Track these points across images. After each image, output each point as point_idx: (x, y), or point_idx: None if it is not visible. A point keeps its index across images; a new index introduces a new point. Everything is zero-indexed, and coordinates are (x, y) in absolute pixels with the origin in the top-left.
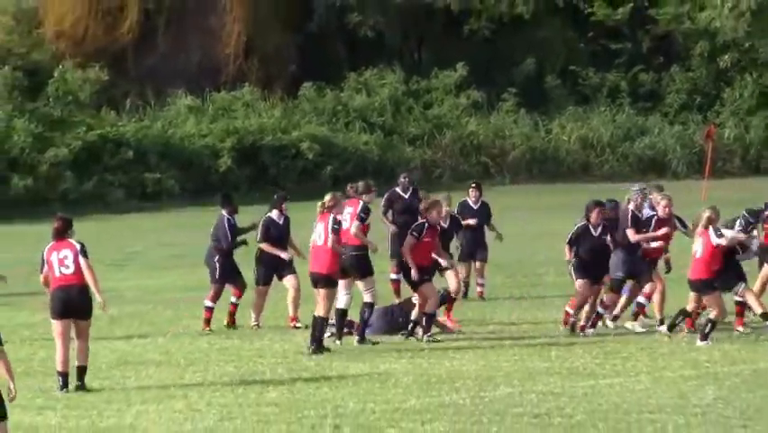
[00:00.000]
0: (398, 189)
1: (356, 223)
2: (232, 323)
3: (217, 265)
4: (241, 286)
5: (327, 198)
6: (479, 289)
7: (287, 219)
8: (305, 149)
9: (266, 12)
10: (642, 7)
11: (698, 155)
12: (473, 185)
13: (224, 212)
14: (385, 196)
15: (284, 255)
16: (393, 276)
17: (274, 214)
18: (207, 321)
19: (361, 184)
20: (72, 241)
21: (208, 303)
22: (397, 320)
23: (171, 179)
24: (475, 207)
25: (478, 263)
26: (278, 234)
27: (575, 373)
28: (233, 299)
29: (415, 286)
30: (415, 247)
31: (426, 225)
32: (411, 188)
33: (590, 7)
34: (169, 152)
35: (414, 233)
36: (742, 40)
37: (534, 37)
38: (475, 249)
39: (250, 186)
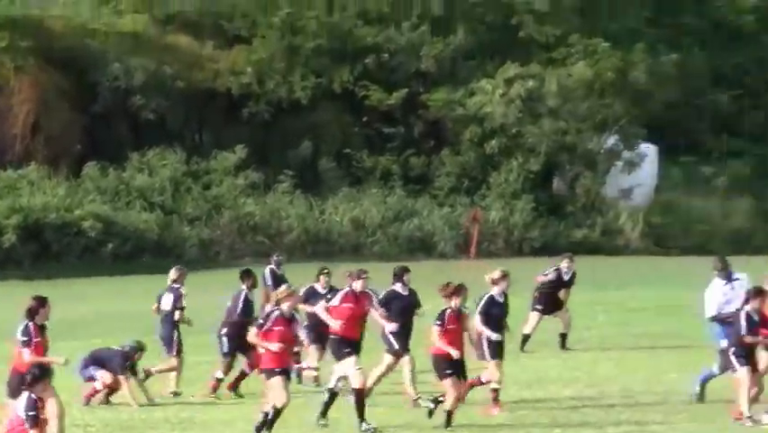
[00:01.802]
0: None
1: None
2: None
3: (225, 339)
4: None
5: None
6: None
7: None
8: (87, 227)
9: (53, 93)
10: (415, 93)
11: (464, 236)
12: (325, 270)
13: (243, 286)
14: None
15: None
16: None
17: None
18: (214, 389)
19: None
20: None
21: (219, 375)
22: None
23: None
24: (323, 292)
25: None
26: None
27: None
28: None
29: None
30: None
31: (278, 313)
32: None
33: (366, 92)
34: None
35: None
36: (509, 126)
37: (310, 121)
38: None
39: (33, 262)
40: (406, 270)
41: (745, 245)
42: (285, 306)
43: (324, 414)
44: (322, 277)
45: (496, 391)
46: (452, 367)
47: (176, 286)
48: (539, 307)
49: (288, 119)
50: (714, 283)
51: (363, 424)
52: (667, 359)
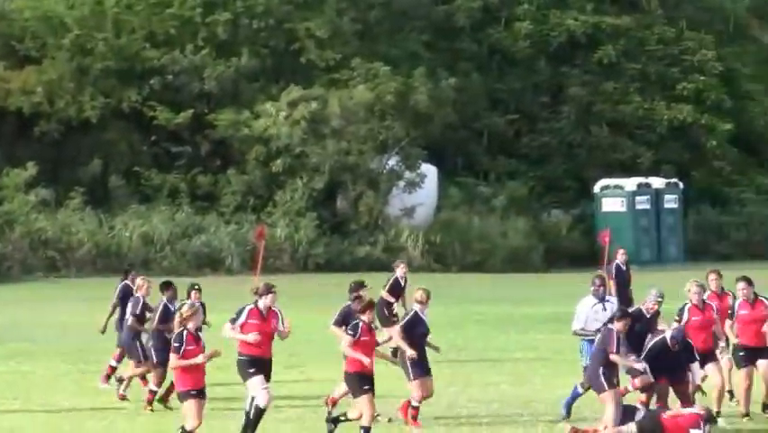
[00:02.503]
0: None
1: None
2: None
3: (153, 351)
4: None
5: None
6: None
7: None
8: None
9: None
10: (200, 113)
11: (250, 252)
12: (196, 286)
13: (163, 298)
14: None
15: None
16: None
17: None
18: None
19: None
20: None
21: (152, 387)
22: None
23: None
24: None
25: None
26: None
27: None
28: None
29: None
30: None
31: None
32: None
33: (153, 112)
34: None
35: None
36: (294, 146)
37: (100, 139)
38: None
39: None
40: (361, 285)
41: (523, 263)
42: (191, 325)
43: None
44: (193, 293)
45: (416, 409)
46: (368, 383)
47: (138, 295)
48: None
49: (78, 137)
50: (586, 300)
51: None
52: (449, 372)
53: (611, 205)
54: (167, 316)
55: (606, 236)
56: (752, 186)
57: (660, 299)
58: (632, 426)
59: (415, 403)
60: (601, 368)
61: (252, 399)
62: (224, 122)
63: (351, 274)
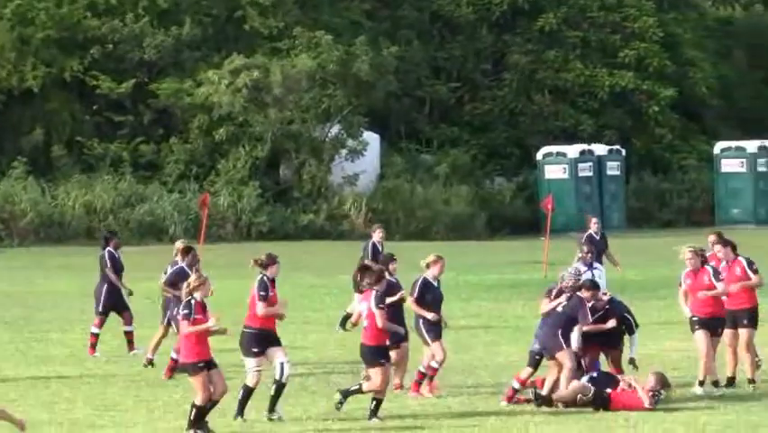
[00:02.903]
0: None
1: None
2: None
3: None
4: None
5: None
6: None
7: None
8: None
9: None
10: (142, 82)
11: (193, 221)
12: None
13: (182, 262)
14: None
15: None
16: None
17: None
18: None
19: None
20: None
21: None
22: None
23: None
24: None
25: None
26: None
27: None
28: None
29: None
30: None
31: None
32: None
33: (95, 81)
34: None
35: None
36: (236, 114)
37: (42, 109)
38: None
39: None
40: (392, 258)
41: (466, 231)
42: (198, 294)
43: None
44: (185, 256)
45: (435, 370)
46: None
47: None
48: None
49: (20, 107)
50: (575, 268)
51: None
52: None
53: (554, 172)
54: (182, 280)
55: (549, 203)
56: (693, 152)
57: (578, 277)
58: (584, 378)
59: (435, 365)
60: (560, 330)
61: (282, 365)
62: (167, 90)
63: (294, 242)
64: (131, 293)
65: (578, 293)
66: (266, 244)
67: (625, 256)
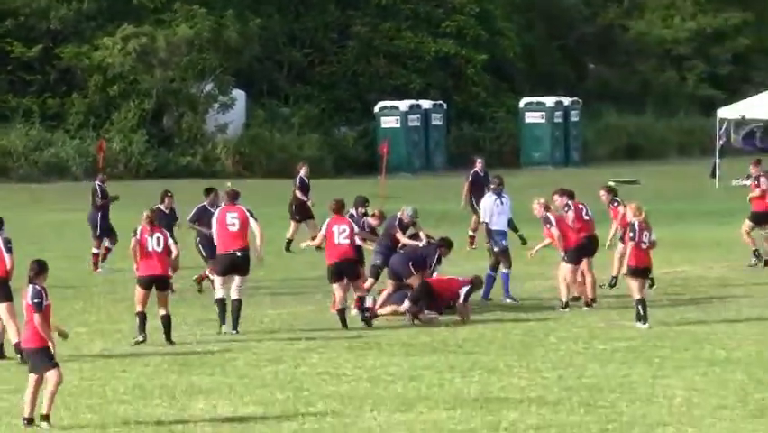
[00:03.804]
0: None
1: None
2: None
3: (200, 247)
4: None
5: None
6: None
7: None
8: None
9: None
10: (50, 47)
11: (91, 163)
12: (168, 193)
13: (205, 200)
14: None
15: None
16: None
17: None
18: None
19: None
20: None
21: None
22: None
23: None
24: (166, 213)
25: None
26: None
27: None
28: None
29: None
30: None
31: None
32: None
33: (10, 46)
34: None
35: None
36: (127, 74)
37: None
38: None
39: None
40: (365, 201)
41: (316, 171)
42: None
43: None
44: (167, 198)
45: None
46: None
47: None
48: (297, 216)
49: None
50: (488, 196)
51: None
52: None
53: (388, 123)
54: (202, 217)
55: (384, 148)
56: (503, 107)
57: (416, 219)
58: (405, 301)
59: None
60: (411, 261)
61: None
62: (69, 54)
63: (175, 180)
64: (117, 198)
65: (433, 243)
66: (152, 181)
67: (448, 191)
